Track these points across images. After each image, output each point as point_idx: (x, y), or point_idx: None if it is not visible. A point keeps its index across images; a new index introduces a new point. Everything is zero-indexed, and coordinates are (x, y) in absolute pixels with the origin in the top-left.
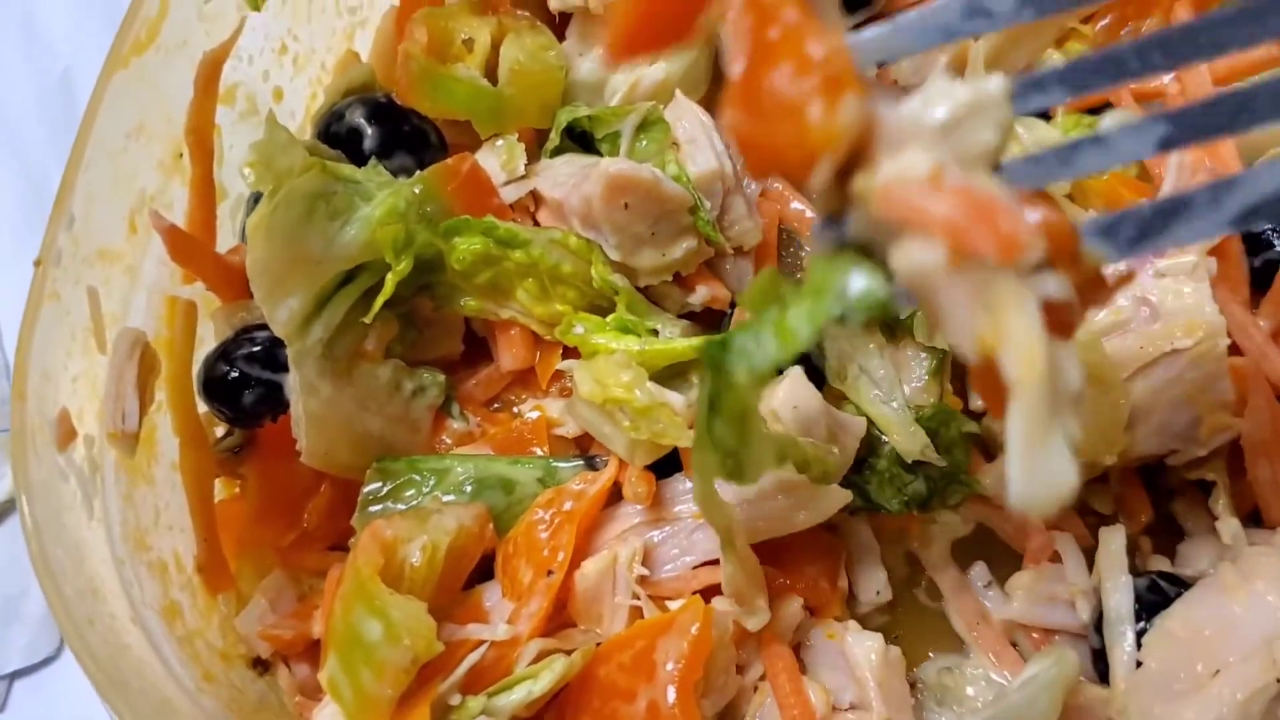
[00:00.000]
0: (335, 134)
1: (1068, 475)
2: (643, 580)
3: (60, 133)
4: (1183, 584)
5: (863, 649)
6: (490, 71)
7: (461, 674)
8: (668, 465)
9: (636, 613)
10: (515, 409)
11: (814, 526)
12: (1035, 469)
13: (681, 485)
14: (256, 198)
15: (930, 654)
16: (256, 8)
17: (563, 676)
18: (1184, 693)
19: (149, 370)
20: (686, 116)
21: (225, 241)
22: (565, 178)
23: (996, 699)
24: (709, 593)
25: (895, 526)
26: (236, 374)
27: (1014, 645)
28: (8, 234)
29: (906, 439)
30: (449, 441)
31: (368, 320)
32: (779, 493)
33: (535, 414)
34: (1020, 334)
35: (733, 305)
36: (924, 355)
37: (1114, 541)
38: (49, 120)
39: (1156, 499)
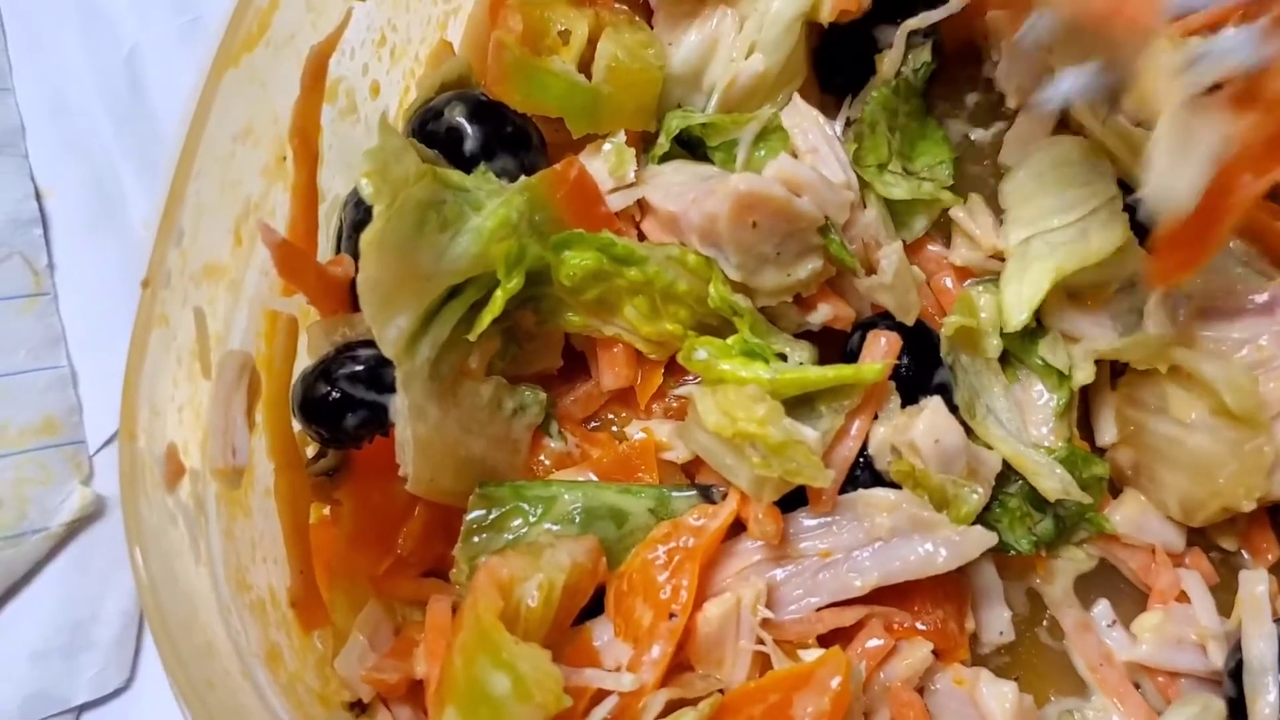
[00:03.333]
0: (432, 133)
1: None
2: (766, 623)
3: (126, 121)
4: None
5: (997, 698)
6: (585, 67)
7: None
8: (790, 499)
9: (759, 658)
10: (615, 429)
11: None
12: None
13: (805, 521)
14: (357, 203)
15: (1051, 696)
16: None
17: None
18: None
19: (255, 396)
20: (807, 124)
21: (322, 249)
22: (678, 188)
23: None
24: (835, 636)
25: (1018, 562)
26: (339, 394)
27: (1138, 688)
28: (70, 234)
29: (1047, 478)
30: (547, 463)
31: (472, 337)
32: (916, 532)
33: (641, 435)
34: None
35: (856, 327)
36: (1050, 395)
37: (1257, 585)
38: (114, 108)
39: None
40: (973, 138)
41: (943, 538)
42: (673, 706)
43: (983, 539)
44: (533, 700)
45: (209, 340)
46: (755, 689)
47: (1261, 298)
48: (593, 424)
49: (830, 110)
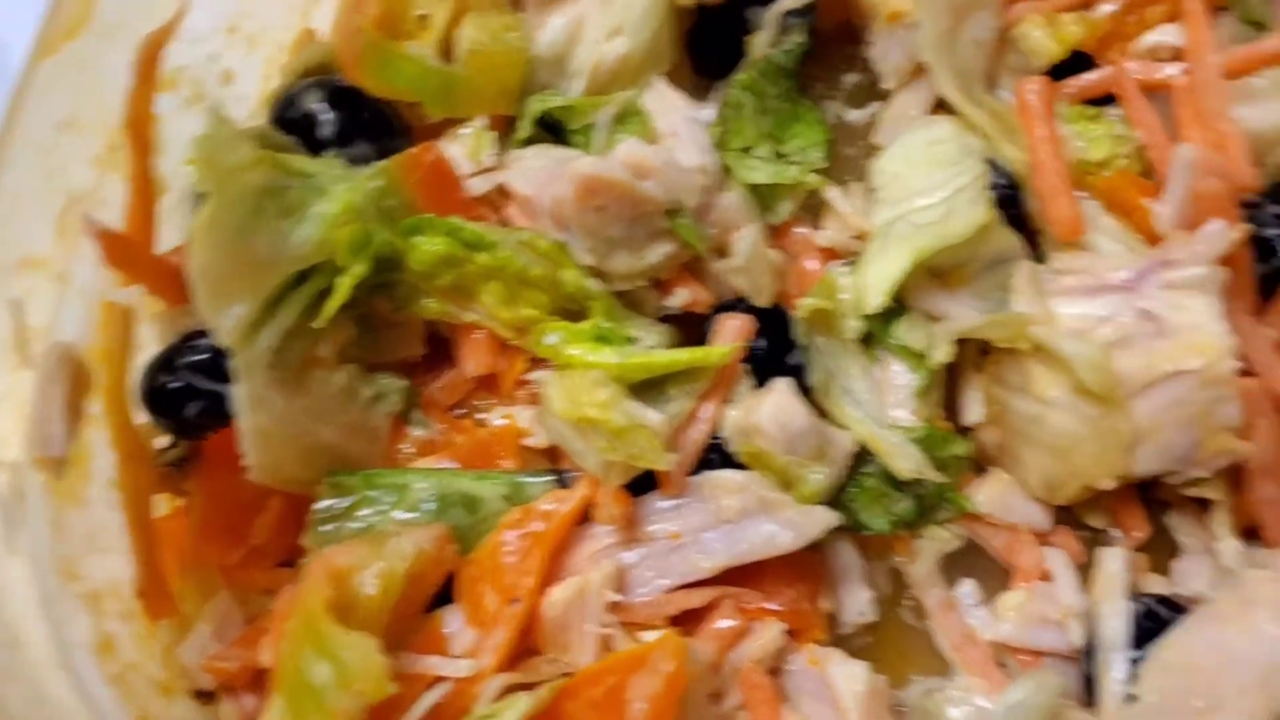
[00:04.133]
0: (290, 120)
1: None
2: (615, 605)
3: None
4: (1179, 609)
5: (847, 678)
6: (449, 52)
7: (419, 715)
8: (642, 483)
9: (609, 640)
10: (480, 415)
11: None
12: None
13: (658, 504)
14: (201, 192)
15: (913, 676)
16: None
17: (527, 715)
18: None
19: (80, 387)
20: (668, 107)
21: (171, 240)
22: (537, 172)
23: None
24: (685, 618)
25: (881, 542)
26: (180, 384)
27: (1002, 667)
28: None
29: (901, 458)
30: (410, 450)
31: (318, 325)
32: (762, 514)
33: (503, 422)
34: None
35: (715, 309)
36: (910, 376)
37: (1112, 563)
38: None
39: (1150, 510)
40: (848, 119)
41: (785, 518)
42: (513, 691)
43: (824, 519)
44: (351, 688)
45: (27, 332)
46: (594, 672)
47: (1125, 275)
48: (459, 411)
49: (705, 94)
